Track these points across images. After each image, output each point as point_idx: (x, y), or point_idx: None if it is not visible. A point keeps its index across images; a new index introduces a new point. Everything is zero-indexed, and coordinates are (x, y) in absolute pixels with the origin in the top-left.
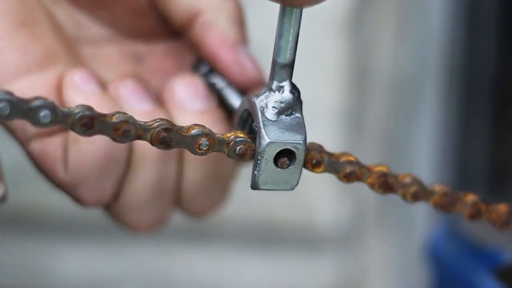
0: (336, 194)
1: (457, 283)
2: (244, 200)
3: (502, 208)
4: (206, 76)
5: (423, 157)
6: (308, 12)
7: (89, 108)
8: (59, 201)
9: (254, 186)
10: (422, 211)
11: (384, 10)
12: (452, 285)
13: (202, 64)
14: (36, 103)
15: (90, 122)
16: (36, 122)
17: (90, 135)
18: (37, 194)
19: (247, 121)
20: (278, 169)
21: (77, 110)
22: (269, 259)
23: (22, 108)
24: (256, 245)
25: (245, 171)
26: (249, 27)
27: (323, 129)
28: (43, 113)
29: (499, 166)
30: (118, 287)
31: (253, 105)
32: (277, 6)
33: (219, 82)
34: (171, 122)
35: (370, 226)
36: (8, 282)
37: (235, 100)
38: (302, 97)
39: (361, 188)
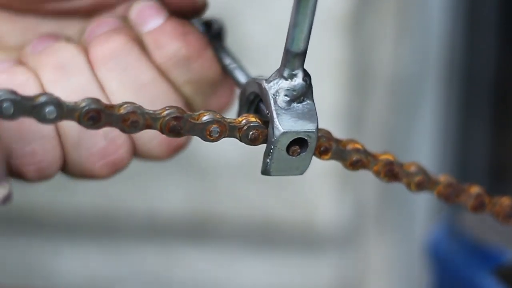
0: (336, 194)
1: (457, 283)
2: (244, 200)
3: (505, 201)
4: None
5: (423, 157)
6: None
7: (96, 101)
8: (59, 201)
9: (266, 172)
10: (422, 211)
11: (384, 10)
12: (452, 285)
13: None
14: (41, 99)
15: (97, 115)
16: (42, 119)
17: (98, 128)
18: (37, 194)
19: (253, 102)
20: (290, 156)
21: (83, 104)
22: (269, 259)
23: (26, 106)
24: (256, 245)
25: (245, 171)
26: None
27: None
28: (48, 109)
29: (499, 166)
30: (118, 287)
31: (264, 91)
32: (278, 6)
33: (230, 62)
34: (182, 109)
35: (370, 226)
36: (8, 282)
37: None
38: None
39: (361, 188)
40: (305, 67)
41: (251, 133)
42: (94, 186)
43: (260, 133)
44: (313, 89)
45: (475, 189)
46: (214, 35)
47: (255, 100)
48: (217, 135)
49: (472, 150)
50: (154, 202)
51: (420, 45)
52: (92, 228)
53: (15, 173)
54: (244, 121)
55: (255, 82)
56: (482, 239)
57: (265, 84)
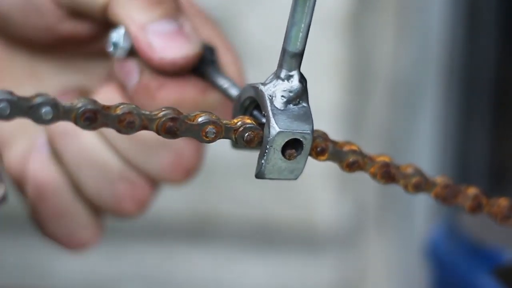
0: (336, 194)
1: (457, 283)
2: (244, 200)
3: (503, 202)
4: (208, 74)
5: (423, 157)
6: None
7: (92, 102)
8: None
9: (260, 175)
10: (422, 211)
11: (384, 10)
12: (452, 285)
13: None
14: (37, 100)
15: (93, 116)
16: (38, 119)
17: (94, 128)
18: None
19: (248, 109)
20: (285, 159)
21: (79, 105)
22: (269, 259)
23: (23, 107)
24: (256, 245)
25: (245, 172)
26: (251, 27)
27: (323, 129)
28: (45, 110)
29: (499, 166)
30: (118, 287)
31: (260, 93)
32: (278, 6)
33: (224, 82)
34: (177, 110)
35: (370, 226)
36: (8, 282)
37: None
38: None
39: (361, 188)
40: (305, 67)
41: (246, 134)
42: None
43: (255, 135)
44: (313, 89)
45: (472, 190)
46: (207, 61)
47: (249, 107)
48: (213, 136)
49: (472, 150)
50: (154, 202)
51: (420, 45)
52: None
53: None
54: (239, 122)
55: (251, 86)
56: (481, 239)
57: (261, 87)
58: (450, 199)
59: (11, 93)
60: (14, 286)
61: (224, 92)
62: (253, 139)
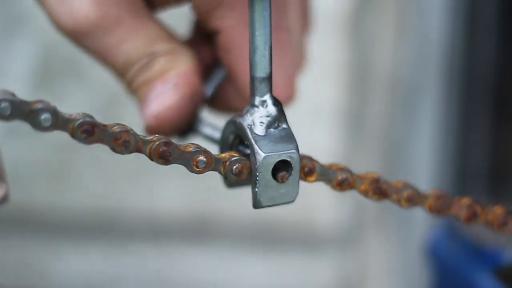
0: (336, 194)
1: (457, 283)
2: (244, 200)
3: (498, 209)
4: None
5: (423, 157)
6: None
7: (90, 116)
8: (59, 201)
9: (257, 204)
10: (421, 211)
11: (384, 10)
12: (452, 285)
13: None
14: (38, 106)
15: (90, 129)
16: (36, 125)
17: (90, 142)
18: (37, 194)
19: (233, 145)
20: (277, 183)
21: (78, 117)
22: (269, 259)
23: (23, 110)
24: (256, 245)
25: None
26: None
27: (323, 129)
28: (44, 116)
29: (499, 166)
30: (118, 287)
31: (239, 125)
32: None
33: (209, 130)
34: (170, 140)
35: (370, 226)
36: (8, 282)
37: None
38: (303, 96)
39: None
40: (305, 67)
41: (234, 167)
42: (95, 186)
43: (243, 166)
44: (313, 89)
45: (465, 200)
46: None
47: (234, 143)
48: (203, 166)
49: (472, 150)
50: (154, 202)
51: (420, 45)
52: (92, 228)
53: None
54: (227, 156)
55: (230, 121)
56: (481, 239)
57: (239, 119)
58: (444, 211)
59: (13, 94)
60: (14, 286)
61: (209, 139)
62: (241, 171)
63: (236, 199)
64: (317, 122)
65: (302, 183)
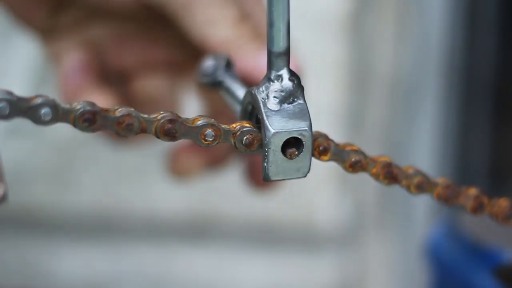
0: (336, 194)
1: (457, 283)
2: (244, 200)
3: (503, 202)
4: (224, 83)
5: (423, 157)
6: (308, 12)
7: (91, 104)
8: (59, 201)
9: (266, 178)
10: (422, 211)
11: (384, 10)
12: (452, 285)
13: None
14: (37, 101)
15: (92, 118)
16: (37, 120)
17: (93, 130)
18: (37, 194)
19: (252, 114)
20: (288, 159)
21: (78, 106)
22: (269, 259)
23: (22, 107)
24: (256, 245)
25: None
26: None
27: (323, 128)
28: (44, 111)
29: (499, 166)
30: (118, 287)
31: (254, 97)
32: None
33: (227, 80)
34: (176, 114)
35: (370, 226)
36: (8, 282)
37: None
38: None
39: (361, 188)
40: (305, 67)
41: (245, 137)
42: (95, 186)
43: (254, 137)
44: (313, 89)
45: (473, 191)
46: (223, 70)
47: (253, 112)
48: (211, 139)
49: (472, 149)
50: (154, 202)
51: (420, 45)
52: (93, 228)
53: None
54: (238, 126)
55: (248, 91)
56: (481, 239)
57: (254, 91)
58: (452, 200)
59: (10, 93)
60: (14, 286)
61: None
62: (252, 142)
63: (236, 199)
64: (317, 122)
65: (303, 182)
